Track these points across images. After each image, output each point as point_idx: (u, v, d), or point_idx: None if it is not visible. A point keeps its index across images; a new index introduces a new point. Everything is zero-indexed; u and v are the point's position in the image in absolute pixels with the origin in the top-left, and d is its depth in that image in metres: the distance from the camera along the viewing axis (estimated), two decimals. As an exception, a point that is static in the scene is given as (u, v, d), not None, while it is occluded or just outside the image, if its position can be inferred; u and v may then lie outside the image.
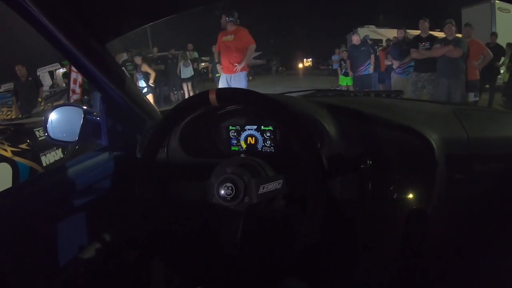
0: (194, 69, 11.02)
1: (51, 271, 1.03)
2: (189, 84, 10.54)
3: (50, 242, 1.04)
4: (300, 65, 35.17)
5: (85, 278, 1.12)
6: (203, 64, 12.14)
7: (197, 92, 10.18)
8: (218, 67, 5.77)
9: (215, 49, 5.93)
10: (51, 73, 11.98)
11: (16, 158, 3.37)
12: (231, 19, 5.37)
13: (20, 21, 0.95)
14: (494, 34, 7.55)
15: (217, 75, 10.36)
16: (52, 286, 1.03)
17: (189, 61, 10.52)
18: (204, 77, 12.23)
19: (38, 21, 0.93)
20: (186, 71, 10.49)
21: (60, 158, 3.88)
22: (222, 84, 5.67)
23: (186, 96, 10.39)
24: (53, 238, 1.05)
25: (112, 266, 1.22)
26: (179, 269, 1.08)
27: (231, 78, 5.52)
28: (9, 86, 11.71)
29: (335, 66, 12.16)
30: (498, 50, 7.20)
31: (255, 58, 24.11)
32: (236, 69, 5.44)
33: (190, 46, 11.56)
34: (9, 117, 8.74)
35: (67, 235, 1.08)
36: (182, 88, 10.74)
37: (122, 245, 1.26)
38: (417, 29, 6.36)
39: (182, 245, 1.12)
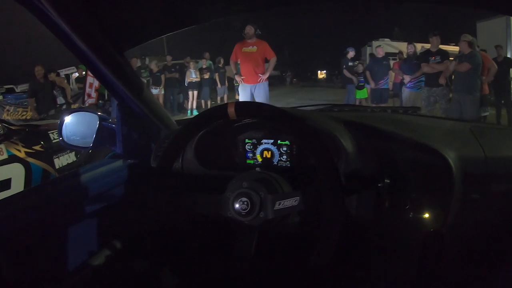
0: (207, 79, 11.13)
1: (61, 276, 1.03)
2: (195, 93, 10.77)
3: (60, 247, 1.04)
4: (314, 77, 35.20)
5: (94, 284, 1.11)
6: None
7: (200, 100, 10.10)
8: (238, 78, 5.78)
9: (231, 59, 5.92)
10: (67, 77, 12.13)
11: (29, 159, 3.42)
12: (258, 32, 5.48)
13: (37, 24, 0.94)
14: (499, 46, 7.25)
15: (235, 84, 10.48)
16: None
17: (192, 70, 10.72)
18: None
19: (56, 26, 0.93)
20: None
21: (73, 161, 3.92)
22: (244, 94, 5.71)
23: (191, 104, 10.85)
24: (64, 244, 1.05)
25: (121, 274, 1.22)
26: (189, 281, 1.06)
27: (255, 88, 5.58)
28: (25, 87, 11.87)
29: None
30: (507, 63, 7.02)
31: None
32: (261, 79, 5.53)
33: (207, 55, 11.64)
34: (24, 117, 8.85)
35: (78, 241, 1.08)
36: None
37: (132, 254, 1.25)
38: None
39: (194, 257, 1.11)
